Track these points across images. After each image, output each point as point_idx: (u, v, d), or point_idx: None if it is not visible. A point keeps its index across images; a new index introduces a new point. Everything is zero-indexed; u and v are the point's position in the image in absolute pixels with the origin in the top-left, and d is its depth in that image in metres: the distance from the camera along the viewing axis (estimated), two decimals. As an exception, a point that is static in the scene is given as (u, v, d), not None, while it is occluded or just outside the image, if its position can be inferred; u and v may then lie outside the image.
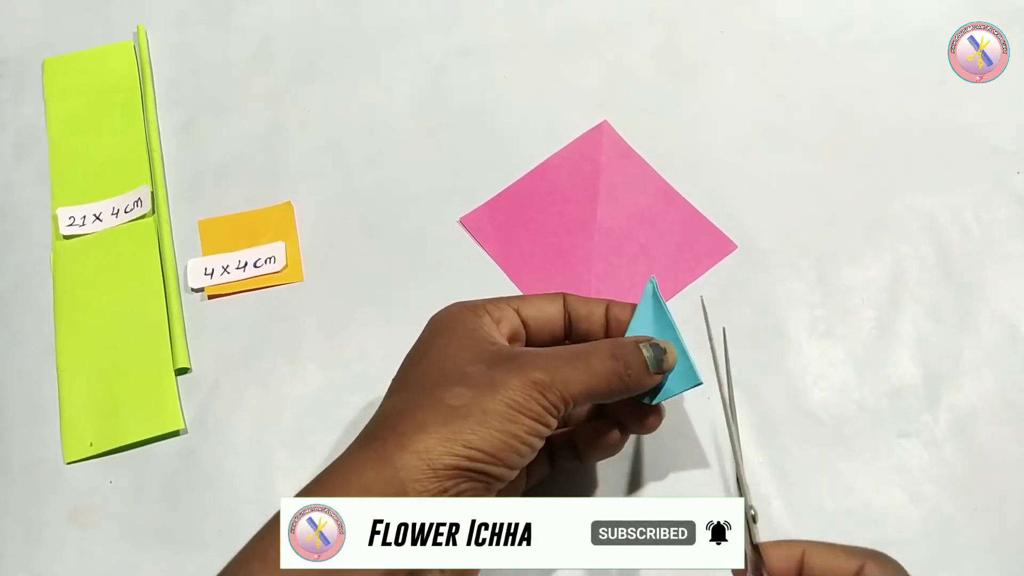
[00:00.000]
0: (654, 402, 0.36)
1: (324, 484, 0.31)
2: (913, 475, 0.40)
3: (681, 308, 0.44)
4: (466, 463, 0.30)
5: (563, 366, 0.32)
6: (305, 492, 0.31)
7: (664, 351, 0.35)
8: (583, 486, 0.41)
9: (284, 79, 0.54)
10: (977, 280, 0.45)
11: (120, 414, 0.44)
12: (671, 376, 0.36)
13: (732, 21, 0.53)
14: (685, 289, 0.45)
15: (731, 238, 0.46)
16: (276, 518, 0.31)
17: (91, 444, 0.43)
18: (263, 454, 0.43)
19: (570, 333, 0.37)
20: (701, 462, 0.41)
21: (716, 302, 0.44)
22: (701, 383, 0.35)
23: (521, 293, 0.46)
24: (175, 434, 0.43)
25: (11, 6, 0.58)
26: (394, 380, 0.35)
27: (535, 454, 0.32)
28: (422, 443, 0.30)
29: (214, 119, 0.53)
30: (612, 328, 0.37)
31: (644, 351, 0.34)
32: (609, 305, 0.37)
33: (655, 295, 0.37)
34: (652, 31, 0.53)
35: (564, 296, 0.37)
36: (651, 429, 0.37)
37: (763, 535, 0.39)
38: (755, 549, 0.31)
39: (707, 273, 0.46)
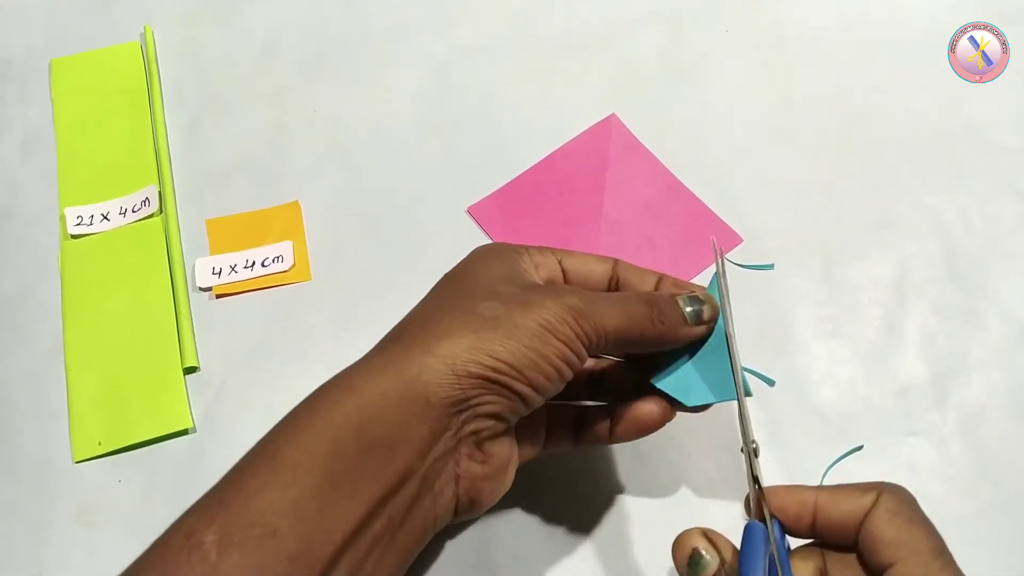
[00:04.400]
0: (688, 404, 0.34)
1: (341, 384, 0.29)
2: (921, 473, 0.40)
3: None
4: (491, 373, 0.29)
5: (599, 300, 0.31)
6: (319, 390, 0.30)
7: (703, 303, 0.33)
8: (599, 465, 0.41)
9: (290, 78, 0.54)
10: (984, 278, 0.45)
11: (128, 413, 0.44)
12: (706, 382, 0.34)
13: (737, 20, 0.54)
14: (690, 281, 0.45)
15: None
16: (295, 408, 0.30)
17: (100, 443, 0.43)
18: (271, 453, 0.43)
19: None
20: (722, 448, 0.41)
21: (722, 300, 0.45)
22: (734, 398, 0.33)
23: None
24: (183, 433, 0.43)
25: (18, 7, 0.58)
26: (425, 296, 0.34)
27: (562, 384, 0.31)
28: (448, 348, 0.28)
29: (221, 119, 0.53)
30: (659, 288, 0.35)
31: (682, 304, 0.33)
32: (661, 278, 0.36)
33: (716, 295, 0.35)
34: (657, 29, 0.54)
35: (616, 261, 0.36)
36: (658, 422, 0.34)
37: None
38: (757, 484, 0.30)
39: (712, 267, 0.46)
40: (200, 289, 0.47)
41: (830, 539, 0.30)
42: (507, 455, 0.32)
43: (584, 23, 0.54)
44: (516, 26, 0.55)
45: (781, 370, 0.43)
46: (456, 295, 0.31)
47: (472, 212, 0.48)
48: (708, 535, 0.30)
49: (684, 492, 0.40)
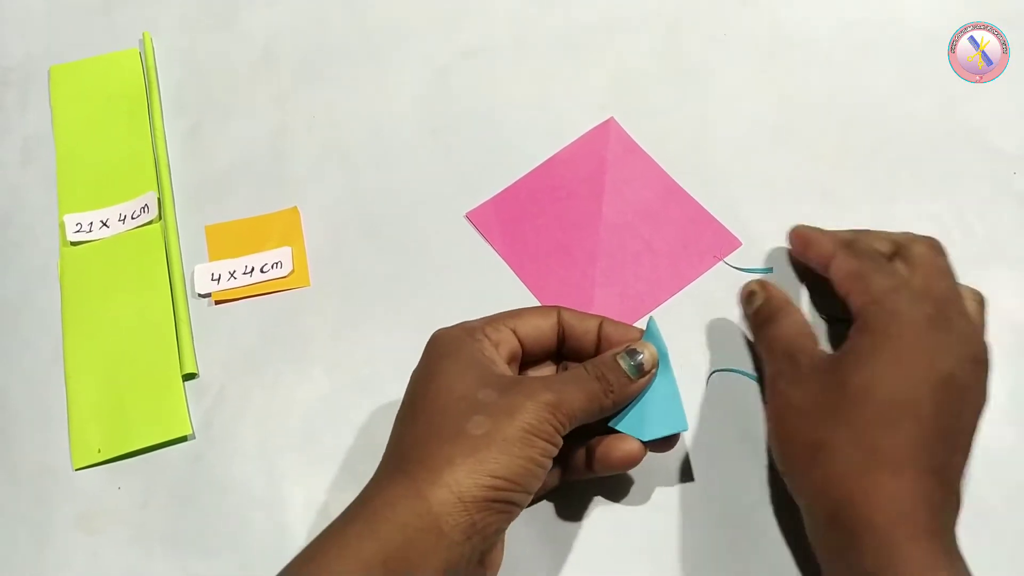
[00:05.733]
0: (645, 440, 0.36)
1: (361, 516, 0.32)
2: (921, 477, 0.40)
3: (683, 306, 0.45)
4: (492, 493, 0.31)
5: (564, 386, 0.34)
6: (341, 522, 0.32)
7: (640, 354, 0.36)
8: (585, 494, 0.41)
9: (289, 83, 0.54)
10: (982, 281, 0.44)
11: (128, 420, 0.44)
12: (657, 417, 0.37)
13: (735, 23, 0.53)
14: (689, 286, 0.45)
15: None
16: (319, 538, 0.32)
17: (99, 450, 0.43)
18: (271, 458, 0.43)
19: (563, 347, 0.39)
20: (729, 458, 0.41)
21: (721, 303, 0.45)
22: (686, 429, 0.37)
23: (527, 289, 0.46)
24: (183, 439, 0.44)
25: (17, 14, 0.59)
26: (405, 404, 0.35)
27: (546, 475, 0.33)
28: (451, 476, 0.31)
29: (220, 124, 0.53)
30: (603, 346, 0.38)
31: (622, 362, 0.36)
32: (603, 322, 0.38)
33: (655, 335, 0.38)
34: (655, 33, 0.53)
35: (559, 311, 0.38)
36: (632, 460, 0.36)
37: (774, 533, 0.39)
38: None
39: (713, 274, 0.46)
40: (199, 295, 0.47)
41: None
42: (501, 555, 0.36)
43: (582, 27, 0.54)
44: (515, 30, 0.55)
45: (780, 374, 0.43)
46: (442, 413, 0.33)
47: (471, 218, 0.48)
48: (763, 282, 0.42)
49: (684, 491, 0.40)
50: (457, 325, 0.37)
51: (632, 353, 0.36)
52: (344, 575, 0.30)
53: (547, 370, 0.40)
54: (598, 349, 0.38)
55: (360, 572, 0.30)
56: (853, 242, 0.40)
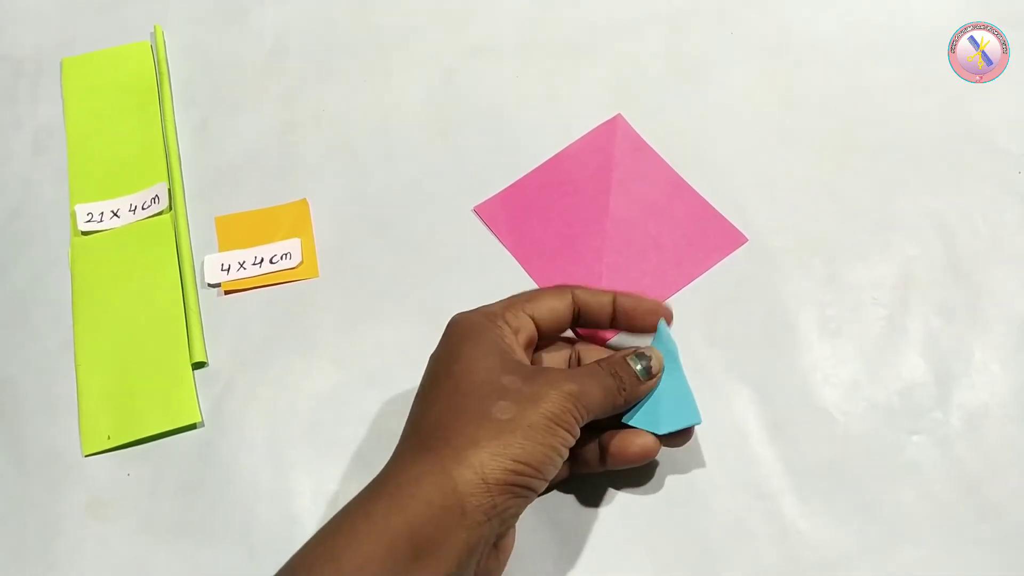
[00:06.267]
0: (660, 434, 0.37)
1: (386, 492, 0.32)
2: (924, 472, 0.40)
3: (690, 301, 0.45)
4: (514, 478, 0.32)
5: (584, 379, 0.35)
6: (365, 497, 0.32)
7: (649, 358, 0.37)
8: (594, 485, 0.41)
9: (298, 78, 0.55)
10: (987, 279, 0.45)
11: (137, 407, 0.44)
12: (670, 411, 0.38)
13: (740, 23, 0.54)
14: (695, 282, 0.46)
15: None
16: (345, 512, 0.32)
17: (109, 437, 0.44)
18: (279, 448, 0.43)
19: (578, 322, 0.39)
20: (719, 458, 0.41)
21: (727, 300, 0.45)
22: (700, 422, 0.38)
23: (535, 283, 0.46)
24: (192, 427, 0.44)
25: (30, 6, 0.59)
26: (425, 385, 0.36)
27: (562, 464, 0.34)
28: (476, 458, 0.31)
29: (230, 118, 0.54)
30: (619, 317, 0.39)
31: (632, 363, 0.37)
32: (616, 296, 0.39)
33: (665, 334, 0.39)
34: (661, 32, 0.54)
35: (572, 291, 0.39)
36: (648, 454, 0.37)
37: (776, 532, 0.39)
38: None
39: (719, 271, 0.46)
40: (209, 285, 0.48)
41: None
42: (513, 541, 0.36)
43: (590, 25, 0.55)
44: (523, 28, 0.55)
45: (785, 369, 0.43)
46: (465, 395, 0.34)
47: (478, 212, 0.49)
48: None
49: (685, 490, 0.41)
50: (476, 309, 0.38)
51: (640, 356, 0.37)
52: (371, 548, 0.30)
53: (562, 353, 0.40)
54: (614, 321, 0.39)
55: (387, 546, 0.30)
56: None
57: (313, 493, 0.42)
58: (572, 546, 0.40)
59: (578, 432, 0.34)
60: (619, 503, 0.40)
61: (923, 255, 0.46)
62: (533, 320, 0.38)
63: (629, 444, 0.37)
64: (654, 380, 0.37)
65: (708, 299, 0.45)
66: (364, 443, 0.43)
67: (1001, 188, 0.47)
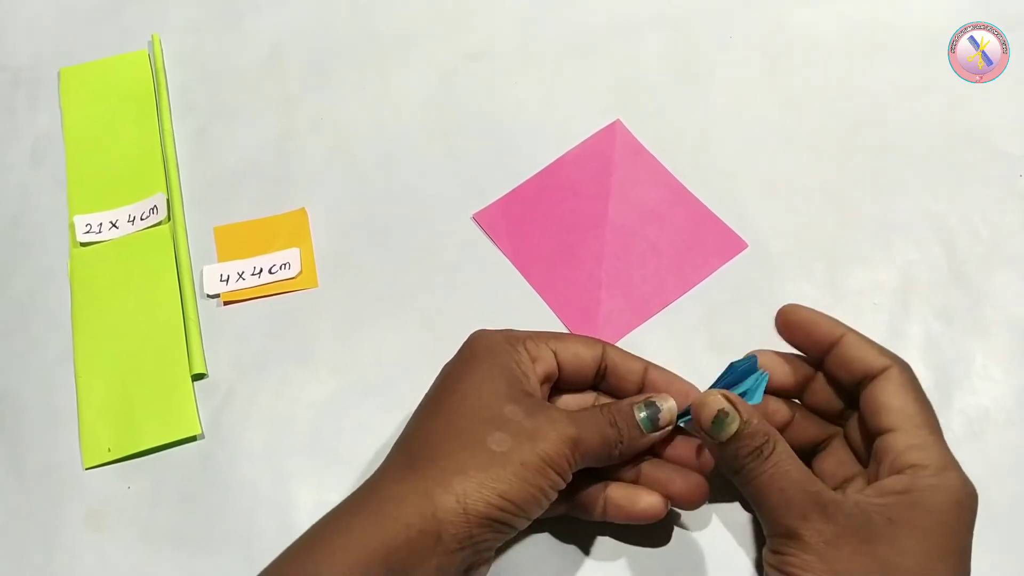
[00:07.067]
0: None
1: (368, 508, 0.32)
2: (926, 478, 0.40)
3: (691, 305, 0.45)
4: (496, 513, 0.31)
5: (584, 425, 0.34)
6: (346, 510, 0.32)
7: (659, 408, 0.35)
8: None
9: (296, 85, 0.55)
10: (987, 283, 0.45)
11: (137, 419, 0.44)
12: None
13: (739, 26, 0.54)
14: (695, 288, 0.46)
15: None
16: (325, 522, 0.32)
17: (109, 449, 0.44)
18: (278, 458, 0.43)
19: (603, 382, 0.38)
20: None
21: (727, 304, 0.45)
22: None
23: (534, 291, 0.46)
24: (192, 439, 0.44)
25: (27, 16, 0.59)
26: (430, 396, 0.35)
27: (547, 506, 0.33)
28: (461, 486, 0.31)
29: (228, 126, 0.54)
30: (646, 390, 0.37)
31: (637, 412, 0.35)
32: (648, 367, 0.37)
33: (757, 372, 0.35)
34: (661, 36, 0.54)
35: (604, 347, 0.37)
36: (655, 515, 0.35)
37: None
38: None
39: (719, 275, 0.46)
40: (208, 296, 0.48)
41: (832, 374, 0.35)
42: (488, 569, 0.34)
43: (589, 30, 0.54)
44: (521, 33, 0.55)
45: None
46: (464, 416, 0.33)
47: (477, 219, 0.49)
48: (729, 398, 0.32)
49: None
50: (501, 330, 0.37)
51: (649, 404, 0.35)
52: (347, 567, 0.30)
53: (586, 397, 0.38)
54: (642, 388, 0.37)
55: (362, 565, 0.30)
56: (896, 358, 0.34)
57: (313, 503, 0.42)
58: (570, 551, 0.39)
59: (570, 477, 0.33)
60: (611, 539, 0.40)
61: (923, 259, 0.45)
62: (556, 357, 0.36)
63: (636, 501, 0.35)
64: (659, 433, 0.35)
65: (709, 303, 0.45)
66: (364, 452, 0.43)
67: (1001, 190, 0.47)
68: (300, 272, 0.48)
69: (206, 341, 0.46)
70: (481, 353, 0.35)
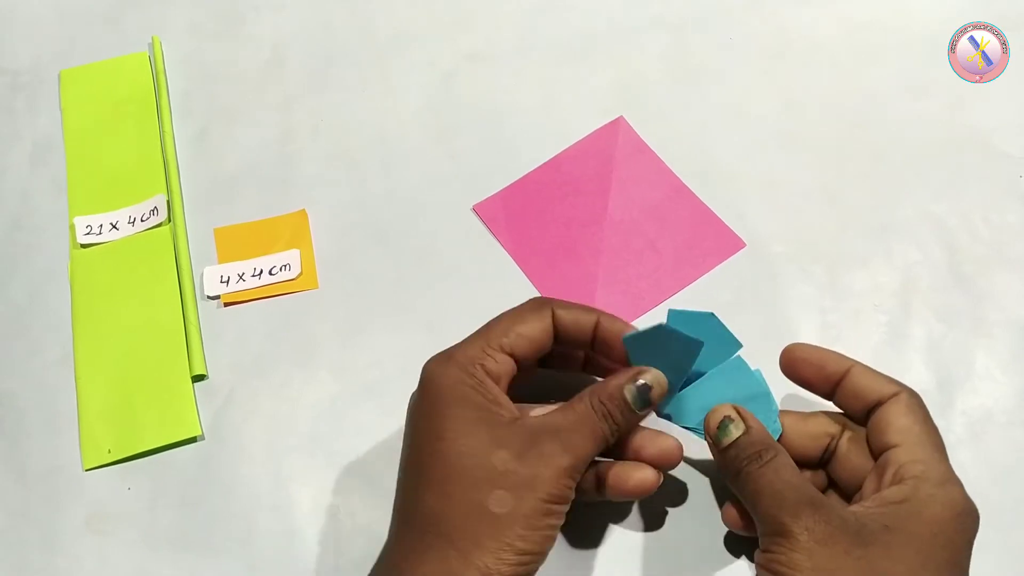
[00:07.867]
0: (686, 425, 0.36)
1: None
2: (927, 479, 0.40)
3: (690, 307, 0.44)
4: (521, 569, 0.31)
5: (576, 439, 0.33)
6: None
7: (649, 386, 0.34)
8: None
9: (296, 87, 0.55)
10: (988, 284, 0.45)
11: (138, 421, 0.44)
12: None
13: (740, 26, 0.54)
14: (696, 288, 0.46)
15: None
16: None
17: (109, 451, 0.44)
18: (278, 460, 0.43)
19: (557, 340, 0.37)
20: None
21: (727, 305, 0.45)
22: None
23: (533, 286, 0.46)
24: (192, 440, 0.44)
25: (27, 18, 0.59)
26: (413, 462, 0.34)
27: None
28: (481, 560, 0.31)
29: (228, 128, 0.54)
30: (599, 342, 0.37)
31: (628, 395, 0.34)
32: (600, 317, 0.37)
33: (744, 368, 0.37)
34: (661, 37, 0.54)
35: (552, 307, 0.37)
36: (647, 488, 0.35)
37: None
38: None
39: (719, 275, 0.46)
40: (208, 297, 0.48)
41: (842, 405, 0.36)
42: None
43: (590, 29, 0.54)
44: (522, 33, 0.55)
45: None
46: (456, 483, 0.32)
47: (477, 210, 0.49)
48: (737, 409, 0.35)
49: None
50: (450, 358, 0.35)
51: (638, 383, 0.35)
52: None
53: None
54: (593, 345, 0.37)
55: None
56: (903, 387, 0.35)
57: (313, 505, 0.42)
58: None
59: (574, 493, 0.33)
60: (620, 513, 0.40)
61: (924, 260, 0.45)
62: (513, 355, 0.36)
63: (627, 477, 0.35)
64: (650, 408, 0.35)
65: (709, 305, 0.45)
66: (364, 454, 0.43)
67: (1001, 190, 0.47)
68: (300, 273, 0.48)
69: (206, 342, 0.46)
70: (446, 395, 0.34)
